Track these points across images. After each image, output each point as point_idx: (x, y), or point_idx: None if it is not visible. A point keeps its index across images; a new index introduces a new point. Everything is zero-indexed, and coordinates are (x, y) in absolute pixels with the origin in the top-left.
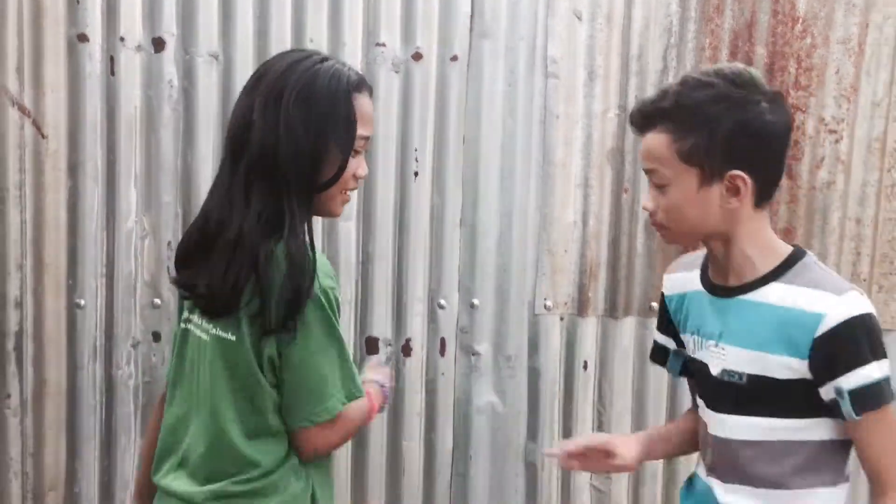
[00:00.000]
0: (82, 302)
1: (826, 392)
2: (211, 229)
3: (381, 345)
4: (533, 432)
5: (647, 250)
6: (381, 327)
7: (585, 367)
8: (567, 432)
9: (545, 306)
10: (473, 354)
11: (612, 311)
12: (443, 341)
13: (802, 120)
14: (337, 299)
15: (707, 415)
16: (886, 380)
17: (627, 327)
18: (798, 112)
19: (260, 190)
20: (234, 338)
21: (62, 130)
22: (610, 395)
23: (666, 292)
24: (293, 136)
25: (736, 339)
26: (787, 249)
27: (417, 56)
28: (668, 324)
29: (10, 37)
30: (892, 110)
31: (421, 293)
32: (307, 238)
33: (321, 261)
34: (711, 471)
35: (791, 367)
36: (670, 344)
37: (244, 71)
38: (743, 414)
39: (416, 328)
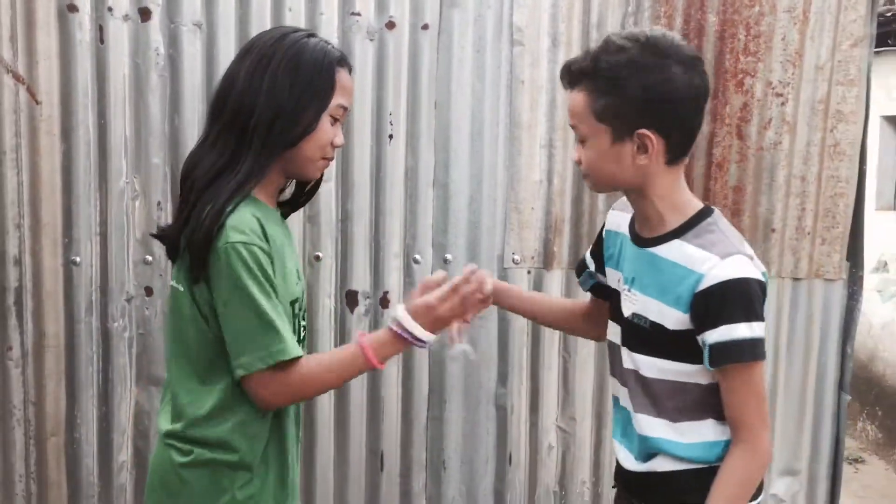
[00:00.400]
0: (78, 259)
1: (700, 342)
2: (182, 179)
3: (360, 297)
4: (503, 377)
5: (607, 207)
6: (361, 281)
7: None
8: (534, 377)
9: (513, 260)
10: None
11: (576, 263)
12: None
13: (751, 84)
14: (253, 254)
15: (621, 350)
16: (752, 340)
17: None
18: (747, 76)
19: (225, 147)
20: (181, 287)
21: (55, 96)
22: (574, 342)
23: (607, 226)
24: (276, 97)
25: (643, 287)
26: (695, 208)
27: (391, 25)
28: (598, 250)
29: (2, 8)
30: (834, 74)
31: (397, 249)
32: (244, 189)
33: (238, 217)
34: (627, 396)
35: (678, 318)
36: (591, 265)
37: (226, 39)
38: (647, 354)
39: (393, 282)
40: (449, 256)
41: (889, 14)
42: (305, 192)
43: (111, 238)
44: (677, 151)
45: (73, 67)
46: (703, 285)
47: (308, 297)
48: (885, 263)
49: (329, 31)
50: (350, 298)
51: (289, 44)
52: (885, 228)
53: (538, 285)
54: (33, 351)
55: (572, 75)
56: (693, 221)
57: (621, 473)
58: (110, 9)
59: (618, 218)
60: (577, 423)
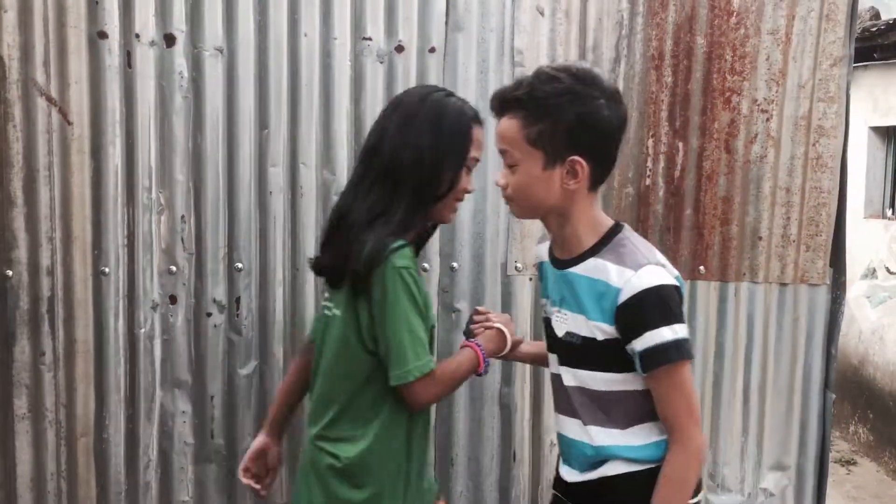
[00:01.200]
0: (106, 269)
1: (629, 351)
2: (337, 218)
3: None
4: (507, 379)
5: None
6: None
7: None
8: (536, 378)
9: (516, 268)
10: (454, 312)
11: None
12: None
13: (738, 101)
14: (414, 279)
15: (560, 369)
16: (677, 342)
17: None
18: (733, 94)
19: (380, 195)
20: (338, 312)
21: (85, 118)
22: None
23: (536, 260)
24: (420, 152)
25: (570, 306)
26: (606, 226)
27: (400, 48)
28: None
29: (37, 35)
30: (815, 92)
31: None
32: (402, 233)
33: (402, 251)
34: (564, 413)
35: (605, 330)
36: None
37: (246, 63)
38: (585, 368)
39: None
40: (455, 265)
41: (874, 29)
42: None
43: (138, 249)
44: (600, 177)
45: (103, 90)
46: (623, 298)
47: None
48: (874, 270)
49: (342, 55)
50: None
51: (431, 103)
52: (874, 236)
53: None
54: (64, 356)
55: (505, 102)
56: (606, 239)
57: (565, 488)
58: (137, 35)
59: (541, 250)
60: None
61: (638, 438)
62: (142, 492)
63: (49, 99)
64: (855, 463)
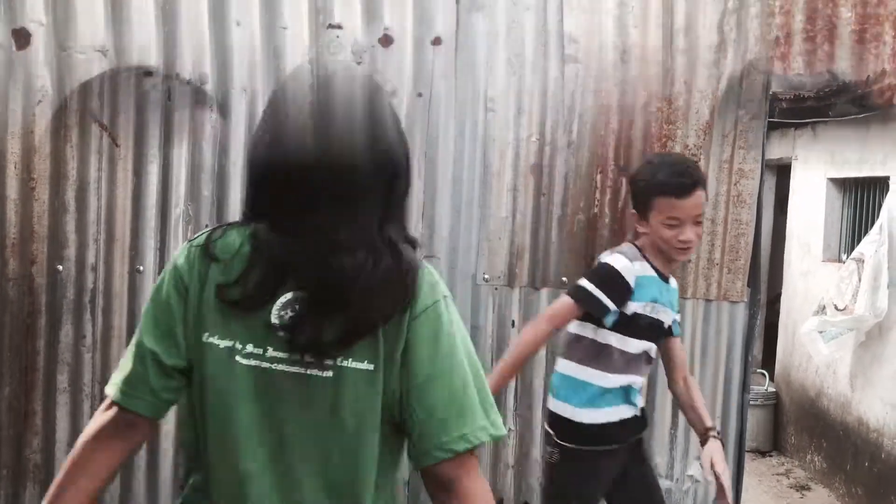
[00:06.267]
0: (141, 268)
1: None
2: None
3: None
4: None
5: (560, 239)
6: None
7: (513, 324)
8: None
9: (484, 279)
10: None
11: (533, 283)
12: None
13: (672, 146)
14: None
15: (652, 348)
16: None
17: (544, 295)
18: (668, 140)
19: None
20: (356, 365)
21: (130, 141)
22: None
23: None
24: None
25: (672, 305)
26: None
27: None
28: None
29: (95, 71)
30: (737, 140)
31: None
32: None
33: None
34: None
35: None
36: (612, 307)
37: (262, 101)
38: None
39: None
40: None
41: (827, 90)
42: None
43: (169, 252)
44: None
45: (146, 118)
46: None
47: None
48: (824, 307)
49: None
50: None
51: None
52: (829, 278)
53: (503, 299)
54: (102, 340)
55: (696, 182)
56: None
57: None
58: (177, 75)
59: (636, 267)
60: (532, 412)
61: None
62: (161, 457)
63: (101, 125)
64: (809, 489)
